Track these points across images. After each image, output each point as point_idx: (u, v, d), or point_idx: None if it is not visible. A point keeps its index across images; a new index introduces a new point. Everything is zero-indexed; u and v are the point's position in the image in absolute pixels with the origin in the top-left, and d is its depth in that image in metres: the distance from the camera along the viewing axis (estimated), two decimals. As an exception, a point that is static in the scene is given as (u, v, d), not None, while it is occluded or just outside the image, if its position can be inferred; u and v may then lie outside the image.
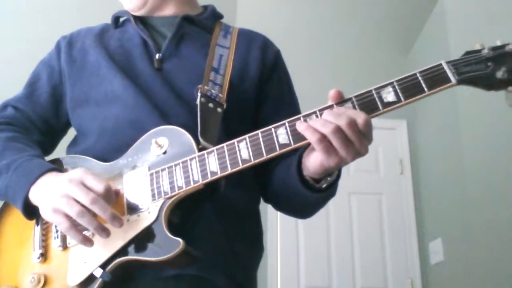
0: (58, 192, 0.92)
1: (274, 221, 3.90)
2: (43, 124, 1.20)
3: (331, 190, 0.99)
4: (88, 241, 0.93)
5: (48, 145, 1.22)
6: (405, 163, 4.15)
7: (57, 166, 1.06)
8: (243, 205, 1.11)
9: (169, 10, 1.26)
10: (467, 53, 0.88)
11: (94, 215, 0.91)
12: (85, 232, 0.94)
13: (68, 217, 0.91)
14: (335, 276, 3.83)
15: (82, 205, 0.90)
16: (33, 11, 3.75)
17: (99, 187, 0.92)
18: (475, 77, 0.86)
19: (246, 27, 1.32)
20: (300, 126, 0.87)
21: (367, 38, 4.38)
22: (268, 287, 3.78)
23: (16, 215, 1.06)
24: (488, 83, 0.86)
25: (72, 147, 1.18)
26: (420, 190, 4.07)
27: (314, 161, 0.91)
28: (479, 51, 0.88)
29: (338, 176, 0.98)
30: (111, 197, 0.93)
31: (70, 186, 0.91)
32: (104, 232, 0.92)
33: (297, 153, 0.98)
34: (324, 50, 4.38)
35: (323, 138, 0.85)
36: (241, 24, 1.36)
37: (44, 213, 0.94)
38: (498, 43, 0.88)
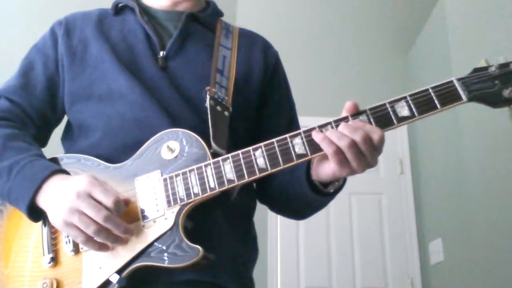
0: (67, 205, 0.91)
1: (274, 222, 3.91)
2: (39, 117, 1.14)
3: (336, 193, 1.02)
4: (104, 248, 0.93)
5: (43, 138, 1.17)
6: (405, 163, 4.15)
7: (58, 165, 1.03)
8: (246, 207, 1.11)
9: (185, 5, 1.21)
10: (475, 70, 0.90)
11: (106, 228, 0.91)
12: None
13: (83, 231, 0.91)
14: (335, 276, 3.84)
15: (96, 221, 0.90)
16: (33, 11, 3.74)
17: (108, 200, 0.91)
18: (484, 95, 0.89)
19: (246, 27, 1.31)
20: (317, 137, 0.89)
21: (367, 38, 4.38)
22: (268, 287, 3.78)
23: (13, 216, 1.04)
24: (495, 101, 0.89)
25: (70, 142, 1.14)
26: (420, 190, 4.08)
27: (326, 170, 0.93)
28: (486, 68, 0.90)
29: (344, 181, 1.00)
30: (121, 208, 0.92)
31: (78, 202, 0.90)
32: (119, 242, 0.92)
33: None
34: (324, 50, 4.38)
35: (339, 151, 0.87)
36: (241, 24, 1.35)
37: (55, 223, 0.94)
38: (502, 60, 0.90)
